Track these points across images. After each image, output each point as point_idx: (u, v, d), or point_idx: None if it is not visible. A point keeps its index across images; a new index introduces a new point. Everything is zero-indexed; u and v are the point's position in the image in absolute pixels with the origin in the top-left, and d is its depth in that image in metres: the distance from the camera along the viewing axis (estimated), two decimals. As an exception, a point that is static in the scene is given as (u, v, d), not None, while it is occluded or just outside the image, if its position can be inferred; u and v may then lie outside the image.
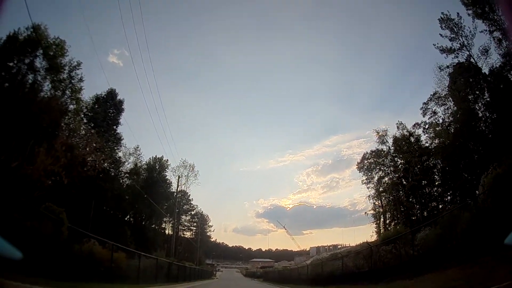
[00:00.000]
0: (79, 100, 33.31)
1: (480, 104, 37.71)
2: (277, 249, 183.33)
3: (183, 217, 68.09)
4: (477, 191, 20.62)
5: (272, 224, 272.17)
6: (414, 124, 49.19)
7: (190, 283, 34.95)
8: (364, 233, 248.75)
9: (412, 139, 50.06)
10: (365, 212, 61.77)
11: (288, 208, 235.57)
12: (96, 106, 40.99)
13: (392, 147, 51.35)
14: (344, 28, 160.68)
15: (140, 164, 49.66)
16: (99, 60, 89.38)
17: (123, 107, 44.42)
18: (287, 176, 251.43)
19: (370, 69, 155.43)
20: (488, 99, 36.61)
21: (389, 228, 54.56)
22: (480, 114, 37.70)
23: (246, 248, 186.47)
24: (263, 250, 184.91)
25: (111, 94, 43.95)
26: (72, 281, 12.82)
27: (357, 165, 60.44)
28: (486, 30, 34.88)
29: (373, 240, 54.70)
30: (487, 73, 36.61)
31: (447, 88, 41.50)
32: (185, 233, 70.26)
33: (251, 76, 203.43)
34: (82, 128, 33.42)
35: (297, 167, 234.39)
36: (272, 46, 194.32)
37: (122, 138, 44.26)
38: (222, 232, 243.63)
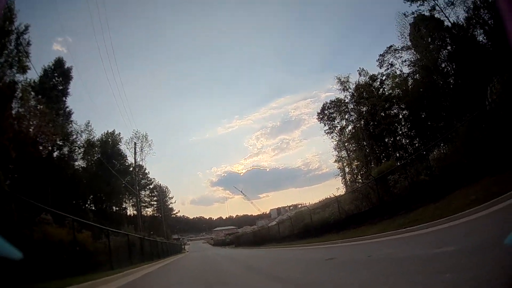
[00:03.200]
0: (26, 68, 27.88)
1: (442, 56, 38.39)
2: (237, 215, 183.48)
3: (142, 192, 62.73)
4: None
5: (228, 191, 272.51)
6: (371, 76, 50.02)
7: (166, 259, 30.92)
8: (322, 191, 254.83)
9: (375, 85, 49.31)
10: (334, 161, 60.53)
11: (241, 174, 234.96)
12: (44, 78, 36.47)
13: (356, 94, 49.89)
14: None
15: (92, 141, 44.77)
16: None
17: (71, 74, 40.02)
18: (236, 142, 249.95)
19: (316, 31, 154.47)
20: (450, 51, 37.27)
21: (358, 176, 53.73)
22: (443, 66, 38.64)
23: (207, 218, 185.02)
24: (224, 218, 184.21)
25: (59, 62, 39.65)
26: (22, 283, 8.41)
27: (317, 115, 59.07)
28: None
29: (339, 194, 53.79)
30: (450, 26, 37.11)
31: (407, 38, 41.95)
32: (146, 210, 65.31)
33: (196, 44, 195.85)
34: (30, 98, 29.11)
35: (245, 132, 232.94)
36: (216, 13, 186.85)
37: (72, 111, 39.50)
38: (180, 205, 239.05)
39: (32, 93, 30.86)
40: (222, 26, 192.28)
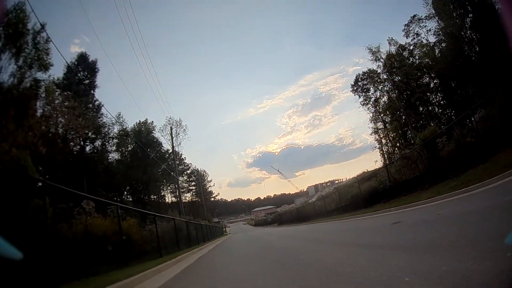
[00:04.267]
0: (47, 66, 27.04)
1: (466, 23, 36.68)
2: (275, 194, 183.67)
3: (180, 178, 62.28)
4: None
5: (264, 171, 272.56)
6: (400, 45, 48.46)
7: (212, 242, 30.01)
8: (358, 166, 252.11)
9: (406, 54, 47.37)
10: (371, 133, 58.45)
11: (276, 153, 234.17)
12: (68, 74, 35.16)
13: (388, 64, 47.72)
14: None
15: (126, 131, 44.23)
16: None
17: (97, 67, 39.05)
18: (269, 122, 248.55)
19: (338, 2, 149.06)
20: (472, 19, 35.49)
21: (397, 146, 51.48)
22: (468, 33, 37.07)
23: (245, 200, 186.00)
24: (262, 198, 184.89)
25: (83, 57, 38.84)
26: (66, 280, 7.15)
27: (351, 87, 57.28)
28: None
29: (378, 167, 51.85)
30: None
31: (431, 6, 40.68)
32: (185, 195, 65.16)
33: (223, 26, 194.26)
34: (56, 94, 28.29)
35: (277, 111, 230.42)
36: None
37: (102, 104, 38.62)
38: (217, 189, 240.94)
39: (58, 90, 30.00)
40: (246, 5, 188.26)
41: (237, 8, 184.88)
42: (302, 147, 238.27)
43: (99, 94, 38.58)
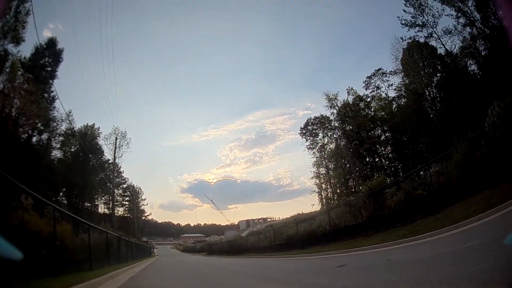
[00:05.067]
0: (20, 40, 26.48)
1: (433, 82, 39.27)
2: (205, 223, 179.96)
3: (116, 191, 59.36)
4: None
5: (197, 199, 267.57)
6: (358, 96, 51.10)
7: (141, 262, 28.38)
8: (292, 207, 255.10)
9: (361, 106, 49.61)
10: (312, 177, 59.89)
11: (212, 183, 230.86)
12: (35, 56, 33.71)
13: (342, 112, 49.77)
14: (278, 4, 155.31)
15: (71, 132, 42.05)
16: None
17: (62, 56, 37.60)
18: (210, 151, 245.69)
19: (299, 48, 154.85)
20: (440, 78, 38.37)
21: (337, 192, 53.11)
22: (429, 92, 39.68)
23: (175, 224, 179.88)
24: (192, 225, 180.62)
25: (52, 42, 37.41)
26: None
27: (300, 130, 59.51)
28: (451, 15, 35.84)
29: (314, 210, 52.97)
30: (443, 54, 38.14)
31: (399, 62, 42.69)
32: (118, 209, 61.81)
33: (178, 50, 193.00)
34: (19, 74, 27.43)
35: (220, 142, 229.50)
36: (200, 20, 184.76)
37: (56, 97, 36.16)
38: (149, 208, 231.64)
39: (21, 69, 28.39)
40: (207, 32, 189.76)
41: (198, 32, 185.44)
42: (239, 181, 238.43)
43: (56, 86, 36.10)
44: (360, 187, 34.47)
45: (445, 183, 17.68)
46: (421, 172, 21.86)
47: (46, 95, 34.18)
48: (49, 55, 36.09)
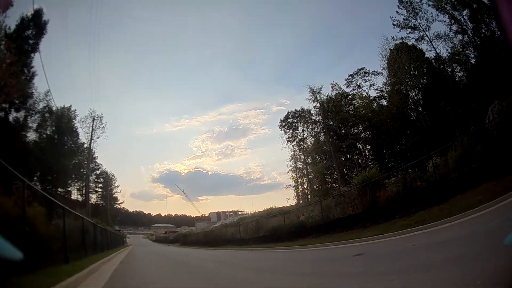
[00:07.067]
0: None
1: (420, 84, 39.49)
2: (176, 214, 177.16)
3: (90, 177, 56.06)
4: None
5: (168, 189, 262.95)
6: (341, 92, 51.21)
7: (117, 252, 26.02)
8: (263, 201, 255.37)
9: (344, 102, 49.06)
10: (289, 171, 58.83)
11: (183, 174, 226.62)
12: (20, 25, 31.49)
13: (326, 106, 48.77)
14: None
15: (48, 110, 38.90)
16: None
17: (46, 29, 34.33)
18: (182, 141, 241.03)
19: (276, 43, 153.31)
20: (426, 82, 38.58)
21: (314, 187, 51.96)
22: (415, 94, 40.15)
23: (146, 213, 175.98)
24: (163, 215, 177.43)
25: (38, 13, 33.81)
26: None
27: (279, 122, 58.27)
28: (444, 21, 36.26)
29: (289, 204, 51.78)
30: (431, 58, 38.71)
31: (386, 62, 42.90)
32: (91, 196, 58.39)
33: (153, 38, 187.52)
34: (2, 43, 25.40)
35: (192, 133, 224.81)
36: (176, 11, 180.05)
37: (36, 73, 32.97)
38: (120, 196, 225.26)
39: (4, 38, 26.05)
40: (183, 22, 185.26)
41: (174, 22, 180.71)
42: (210, 173, 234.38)
43: (36, 63, 32.53)
44: (351, 180, 33.51)
45: (445, 175, 17.63)
46: (427, 165, 20.71)
47: (25, 70, 31.16)
48: (33, 26, 33.09)
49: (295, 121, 56.99)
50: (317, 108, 50.70)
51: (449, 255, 5.18)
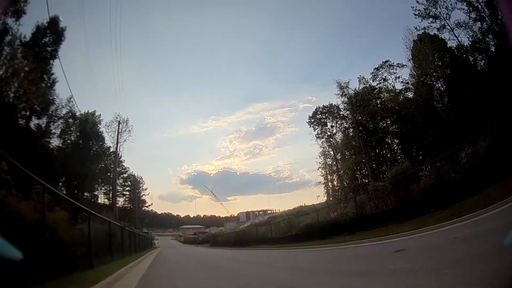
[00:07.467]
0: (20, 12, 24.69)
1: (445, 75, 38.16)
2: (205, 215, 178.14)
3: (117, 181, 56.51)
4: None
5: (196, 190, 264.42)
6: (369, 86, 49.76)
7: (145, 255, 25.62)
8: (292, 200, 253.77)
9: (372, 95, 47.76)
10: (318, 168, 57.71)
11: (211, 174, 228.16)
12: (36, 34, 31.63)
13: (354, 101, 47.56)
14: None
15: (72, 115, 39.24)
16: None
17: (64, 35, 34.25)
18: (210, 142, 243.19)
19: (298, 41, 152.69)
20: (450, 72, 37.25)
21: (344, 184, 50.62)
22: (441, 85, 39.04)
23: (175, 215, 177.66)
24: (191, 216, 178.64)
25: (54, 20, 33.64)
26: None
27: (308, 119, 57.59)
28: (463, 9, 35.15)
29: (319, 202, 50.64)
30: (453, 47, 37.60)
31: (410, 53, 42.00)
32: (118, 199, 58.90)
33: (179, 41, 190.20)
34: (18, 50, 24.87)
35: (219, 133, 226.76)
36: (200, 15, 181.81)
37: (57, 80, 32.99)
38: (148, 199, 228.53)
39: (20, 46, 26.02)
40: (208, 26, 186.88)
41: (200, 25, 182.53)
42: (238, 173, 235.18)
43: (57, 70, 32.72)
44: (383, 174, 32.35)
45: (477, 166, 16.68)
46: (459, 156, 20.28)
47: (45, 76, 31.36)
48: (51, 34, 33.24)
49: (324, 117, 55.88)
50: (345, 103, 49.59)
51: (493, 246, 5.03)
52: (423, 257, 6.74)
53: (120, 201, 60.56)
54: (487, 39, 34.01)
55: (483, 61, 35.41)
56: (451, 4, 36.01)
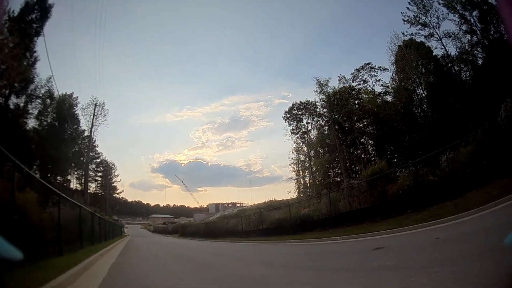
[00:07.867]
0: None
1: (428, 81, 38.67)
2: (175, 205, 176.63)
3: (89, 166, 54.87)
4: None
5: (167, 179, 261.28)
6: (348, 86, 49.95)
7: (115, 242, 25.08)
8: (262, 194, 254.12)
9: (349, 96, 48.23)
10: (291, 164, 57.91)
11: (183, 164, 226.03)
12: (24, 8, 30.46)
13: (333, 99, 47.81)
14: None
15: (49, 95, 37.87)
16: None
17: (51, 12, 32.61)
18: (183, 132, 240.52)
19: (279, 36, 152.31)
20: (433, 79, 37.95)
21: (317, 181, 51.05)
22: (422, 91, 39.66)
23: (145, 204, 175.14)
24: (161, 205, 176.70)
25: None
26: None
27: (284, 114, 57.27)
28: (454, 20, 35.82)
29: (290, 197, 51.00)
30: (439, 56, 38.27)
31: (394, 57, 42.33)
32: (90, 185, 57.29)
33: (159, 28, 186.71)
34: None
35: (193, 123, 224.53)
36: (181, 4, 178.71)
37: (39, 59, 31.71)
38: (119, 186, 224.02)
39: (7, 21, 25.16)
40: (191, 15, 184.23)
41: (181, 13, 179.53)
42: (210, 164, 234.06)
43: (40, 47, 31.24)
44: (358, 173, 32.75)
45: (457, 171, 16.91)
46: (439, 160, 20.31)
47: (28, 54, 30.00)
48: (38, 10, 31.75)
49: (300, 113, 55.97)
50: (323, 101, 49.65)
51: (481, 247, 5.23)
52: (407, 255, 6.72)
53: (92, 186, 59.01)
54: (475, 51, 34.87)
55: (468, 72, 36.24)
56: (442, 14, 36.67)
